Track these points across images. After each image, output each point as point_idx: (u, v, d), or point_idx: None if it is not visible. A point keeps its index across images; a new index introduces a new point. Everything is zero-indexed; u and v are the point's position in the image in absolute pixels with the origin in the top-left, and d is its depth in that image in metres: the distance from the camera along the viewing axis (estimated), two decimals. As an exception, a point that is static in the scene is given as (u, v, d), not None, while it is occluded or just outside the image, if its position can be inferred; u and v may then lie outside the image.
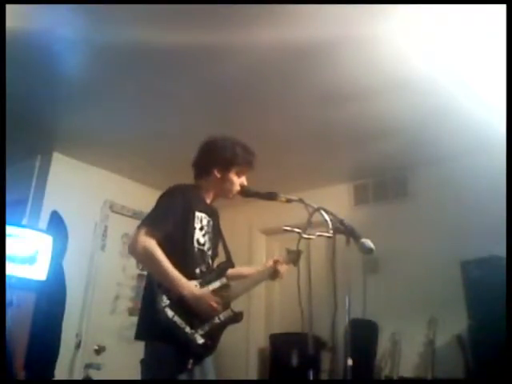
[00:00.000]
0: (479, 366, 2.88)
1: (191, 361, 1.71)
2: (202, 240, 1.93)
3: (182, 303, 1.72)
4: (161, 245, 1.76)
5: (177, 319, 1.70)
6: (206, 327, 1.77)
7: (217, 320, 1.81)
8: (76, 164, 3.92)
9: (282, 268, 2.10)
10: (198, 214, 1.93)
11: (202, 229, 1.94)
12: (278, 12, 2.16)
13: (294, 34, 2.30)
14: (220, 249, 2.10)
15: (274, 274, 2.13)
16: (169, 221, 1.83)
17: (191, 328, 1.73)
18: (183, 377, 1.70)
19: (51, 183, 3.70)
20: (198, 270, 1.87)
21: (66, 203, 3.65)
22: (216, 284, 1.87)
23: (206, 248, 1.96)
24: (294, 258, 2.09)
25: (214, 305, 1.77)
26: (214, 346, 1.81)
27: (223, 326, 1.85)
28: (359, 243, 1.58)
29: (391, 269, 3.65)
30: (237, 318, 1.90)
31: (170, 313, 1.70)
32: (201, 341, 1.74)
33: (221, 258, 2.08)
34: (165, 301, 1.70)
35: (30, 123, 3.29)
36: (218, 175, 2.00)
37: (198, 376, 1.76)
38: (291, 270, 2.04)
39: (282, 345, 3.87)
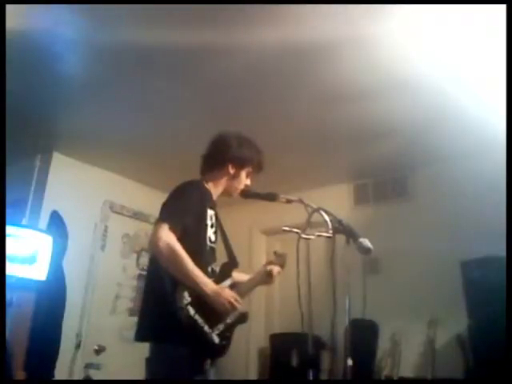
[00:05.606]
0: (479, 366, 2.88)
1: (209, 361, 1.68)
2: (213, 238, 1.91)
3: (202, 301, 1.67)
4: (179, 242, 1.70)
5: (197, 318, 1.66)
6: (221, 327, 1.73)
7: (228, 320, 1.78)
8: (76, 164, 3.92)
9: (274, 269, 2.00)
10: (209, 211, 1.90)
11: (212, 226, 1.91)
12: (278, 12, 2.16)
13: (294, 34, 2.30)
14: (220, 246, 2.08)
15: (267, 276, 2.02)
16: (188, 216, 1.77)
17: (209, 327, 1.69)
18: (199, 378, 1.66)
19: (51, 183, 3.70)
20: (209, 269, 1.83)
21: (66, 203, 3.66)
22: (226, 283, 1.84)
23: (215, 245, 1.93)
24: (281, 261, 2.05)
25: (233, 300, 1.72)
26: (228, 346, 1.78)
27: (233, 326, 1.82)
28: (357, 243, 1.58)
29: (391, 269, 3.66)
30: (243, 318, 1.87)
31: (191, 311, 1.65)
32: (217, 340, 1.70)
33: (220, 256, 2.06)
34: (187, 298, 1.65)
35: (30, 123, 3.29)
36: (232, 171, 1.97)
37: (212, 376, 1.73)
38: (291, 271, 2.03)
39: (282, 345, 3.87)
